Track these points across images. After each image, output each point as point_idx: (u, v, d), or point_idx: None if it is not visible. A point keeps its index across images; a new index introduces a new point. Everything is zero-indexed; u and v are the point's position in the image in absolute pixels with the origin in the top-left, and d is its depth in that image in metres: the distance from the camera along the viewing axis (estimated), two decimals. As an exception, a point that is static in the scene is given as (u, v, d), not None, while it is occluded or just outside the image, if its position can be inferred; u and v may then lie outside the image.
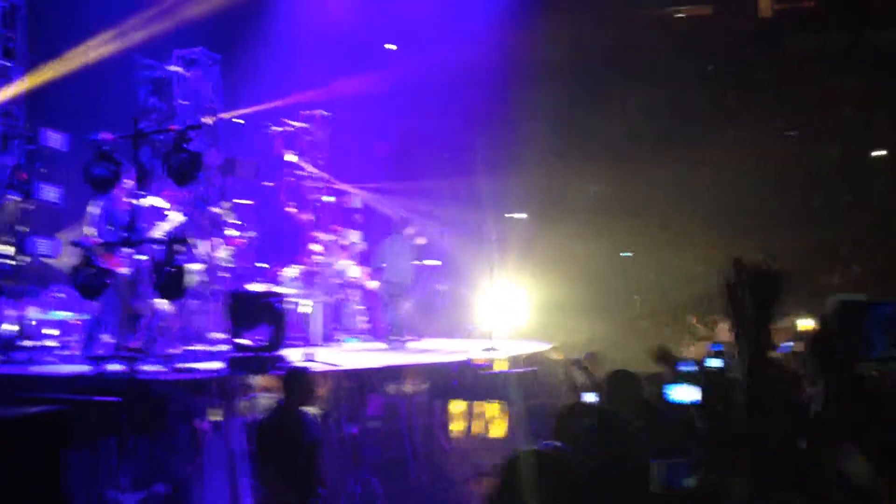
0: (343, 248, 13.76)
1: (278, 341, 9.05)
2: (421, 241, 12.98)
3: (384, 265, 13.01)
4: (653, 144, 16.74)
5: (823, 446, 3.57)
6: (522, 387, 10.58)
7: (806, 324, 9.14)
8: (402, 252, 12.84)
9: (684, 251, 16.22)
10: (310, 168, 13.43)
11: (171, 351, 9.38)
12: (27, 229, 10.02)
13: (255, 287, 9.91)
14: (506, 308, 14.27)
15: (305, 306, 11.05)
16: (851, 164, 17.53)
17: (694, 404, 4.76)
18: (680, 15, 19.93)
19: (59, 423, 5.83)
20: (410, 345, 12.62)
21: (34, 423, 5.48)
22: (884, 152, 18.52)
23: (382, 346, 12.57)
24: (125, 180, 9.09)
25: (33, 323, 11.00)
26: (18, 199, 9.91)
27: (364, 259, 14.15)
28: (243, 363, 8.61)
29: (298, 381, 7.12)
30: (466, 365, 10.85)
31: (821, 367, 3.61)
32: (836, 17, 18.96)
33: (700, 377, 5.22)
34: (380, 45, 17.35)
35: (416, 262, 13.30)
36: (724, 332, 8.65)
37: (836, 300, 2.87)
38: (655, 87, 16.67)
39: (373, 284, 13.49)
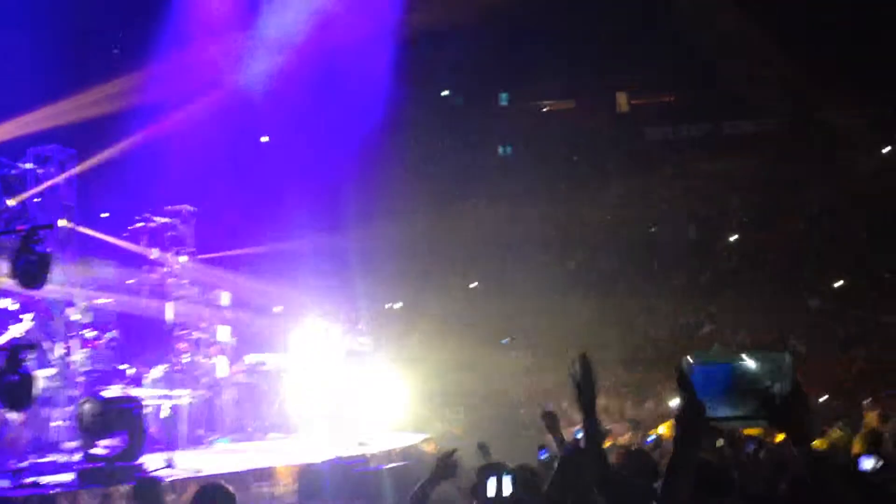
0: (212, 344, 13.41)
1: (135, 449, 8.66)
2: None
3: (257, 361, 12.76)
4: (521, 235, 17.19)
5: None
6: (396, 482, 10.39)
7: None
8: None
9: (560, 339, 16.57)
10: (175, 264, 13.09)
11: (19, 464, 8.81)
12: None
13: (110, 392, 9.47)
14: (381, 398, 14.15)
15: (167, 410, 10.62)
16: (706, 242, 18.43)
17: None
18: (545, 109, 20.83)
19: None
20: (282, 444, 12.28)
21: None
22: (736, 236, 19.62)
23: (256, 445, 12.17)
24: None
25: None
26: None
27: (233, 356, 13.82)
28: (95, 474, 8.17)
29: (150, 493, 6.76)
30: (336, 464, 10.59)
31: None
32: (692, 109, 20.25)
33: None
34: (255, 136, 17.36)
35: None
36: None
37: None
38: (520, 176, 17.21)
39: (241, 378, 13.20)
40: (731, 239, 19.40)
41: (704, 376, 2.92)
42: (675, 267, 18.64)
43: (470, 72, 18.72)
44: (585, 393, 3.89)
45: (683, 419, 2.97)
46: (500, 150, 20.65)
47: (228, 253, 15.31)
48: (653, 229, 19.03)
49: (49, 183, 10.84)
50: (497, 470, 4.82)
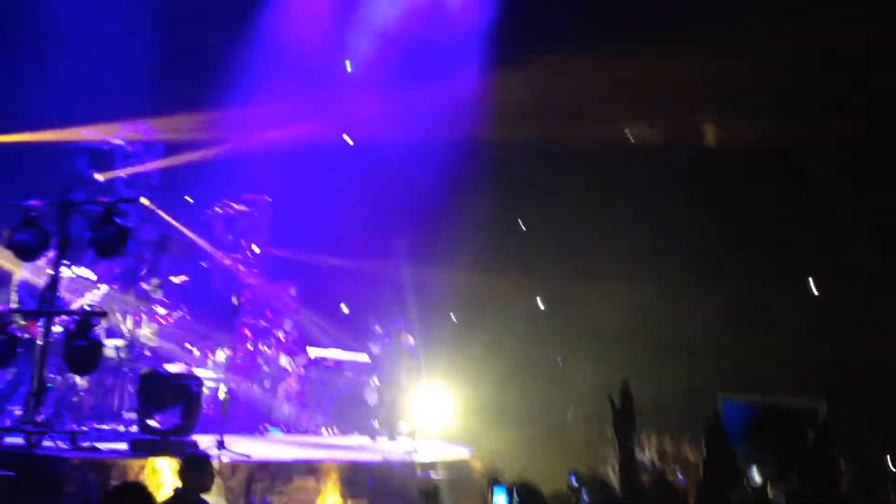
0: (274, 335, 13.62)
1: (189, 425, 8.83)
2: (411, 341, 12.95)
3: (318, 357, 12.91)
4: (589, 258, 16.94)
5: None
6: (440, 492, 10.38)
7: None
8: (400, 357, 12.77)
9: (615, 364, 16.28)
10: (247, 252, 13.36)
11: (78, 428, 9.08)
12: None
13: (171, 368, 9.69)
14: (433, 410, 14.17)
15: (224, 394, 10.81)
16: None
17: None
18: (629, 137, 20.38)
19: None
20: (334, 440, 12.38)
21: None
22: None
23: (308, 438, 12.29)
24: (51, 250, 8.95)
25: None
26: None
27: (295, 348, 14.02)
28: (147, 445, 8.36)
29: (197, 468, 6.88)
30: (383, 465, 10.65)
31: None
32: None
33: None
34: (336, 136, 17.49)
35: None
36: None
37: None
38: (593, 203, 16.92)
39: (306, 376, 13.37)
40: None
41: (735, 412, 2.86)
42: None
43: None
44: (623, 423, 3.80)
45: (711, 467, 2.90)
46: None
47: (296, 248, 15.50)
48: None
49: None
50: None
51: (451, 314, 17.51)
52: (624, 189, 17.12)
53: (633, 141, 17.47)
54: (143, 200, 11.07)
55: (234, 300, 10.82)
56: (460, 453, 12.83)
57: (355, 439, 13.26)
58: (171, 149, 12.21)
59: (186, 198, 13.34)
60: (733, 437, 2.84)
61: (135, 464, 8.01)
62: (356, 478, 10.26)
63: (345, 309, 15.03)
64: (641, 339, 15.99)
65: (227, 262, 13.29)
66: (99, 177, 10.70)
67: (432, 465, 11.11)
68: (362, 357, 14.76)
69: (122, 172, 11.17)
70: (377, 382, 15.65)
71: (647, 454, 12.80)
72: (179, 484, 6.85)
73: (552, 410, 16.31)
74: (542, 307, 17.50)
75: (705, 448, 3.04)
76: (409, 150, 15.68)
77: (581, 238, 16.40)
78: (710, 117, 16.34)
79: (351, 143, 17.79)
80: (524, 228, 17.71)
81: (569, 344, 17.14)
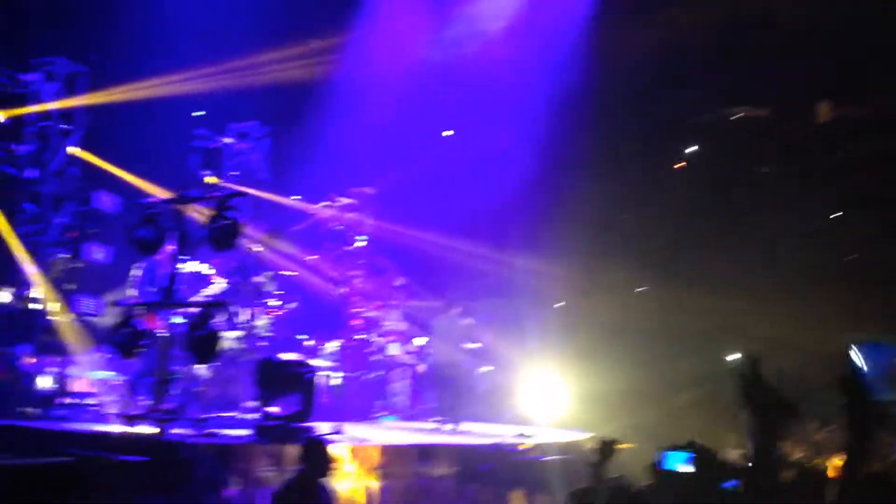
0: (384, 325, 13.77)
1: (307, 412, 9.02)
2: (468, 322, 12.89)
3: (431, 345, 12.98)
4: (699, 241, 16.50)
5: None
6: (557, 474, 10.31)
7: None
8: (450, 333, 12.74)
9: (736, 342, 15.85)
10: (354, 243, 13.56)
11: (203, 415, 9.40)
12: (74, 287, 10.22)
13: (288, 356, 9.91)
14: (545, 395, 14.07)
15: (339, 380, 11.01)
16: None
17: None
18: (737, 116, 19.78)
19: (78, 475, 5.85)
20: (449, 427, 12.42)
21: (50, 471, 5.50)
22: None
23: (422, 425, 12.37)
24: (169, 245, 9.28)
25: (73, 381, 11.19)
26: (67, 257, 10.17)
27: (406, 337, 14.15)
28: (270, 431, 8.58)
29: (317, 453, 6.99)
30: (498, 449, 10.63)
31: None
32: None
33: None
34: (436, 130, 17.55)
35: (463, 344, 13.19)
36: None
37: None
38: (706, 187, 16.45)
39: (419, 366, 13.46)
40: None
41: (868, 356, 2.70)
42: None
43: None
44: (755, 397, 3.63)
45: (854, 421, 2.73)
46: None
47: (402, 238, 15.61)
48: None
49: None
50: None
51: (559, 302, 17.37)
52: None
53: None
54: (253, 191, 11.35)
55: (343, 290, 11.00)
56: (575, 436, 12.70)
57: (466, 426, 13.29)
58: (277, 144, 12.50)
59: (293, 198, 13.57)
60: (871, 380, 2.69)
61: (259, 449, 8.24)
62: (471, 462, 10.28)
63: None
64: (753, 324, 15.55)
65: (335, 253, 13.51)
66: (209, 180, 11.05)
67: (546, 448, 11.04)
68: (473, 345, 14.78)
69: (231, 170, 11.47)
70: (487, 369, 15.68)
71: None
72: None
73: (664, 396, 16.00)
74: (642, 290, 17.15)
75: (846, 397, 2.88)
76: (517, 140, 15.60)
77: (694, 219, 16.03)
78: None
79: (450, 133, 17.83)
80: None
81: (677, 328, 16.79)
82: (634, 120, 17.12)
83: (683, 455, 4.80)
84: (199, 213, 9.88)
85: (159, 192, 9.33)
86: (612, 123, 16.93)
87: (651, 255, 16.58)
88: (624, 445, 10.02)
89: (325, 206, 13.77)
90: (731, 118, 19.55)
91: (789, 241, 15.72)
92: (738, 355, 16.41)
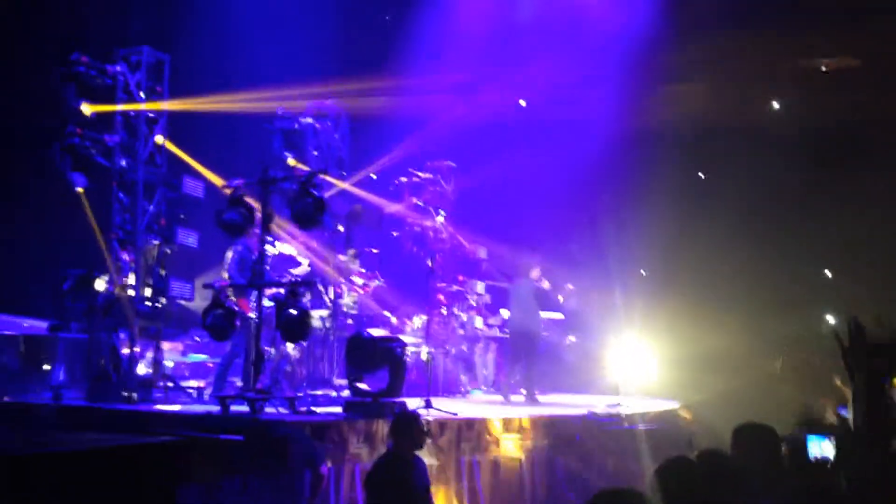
0: (467, 299, 13.76)
1: (397, 387, 9.06)
2: (546, 284, 12.74)
3: (508, 313, 12.92)
4: (786, 205, 16.01)
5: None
6: (649, 443, 10.19)
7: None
8: (528, 298, 12.61)
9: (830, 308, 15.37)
10: (435, 218, 13.55)
11: (295, 394, 9.55)
12: (166, 272, 10.47)
13: (376, 332, 9.98)
14: (634, 364, 13.89)
15: (426, 355, 11.04)
16: None
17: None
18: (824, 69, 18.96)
19: (178, 455, 5.99)
20: (538, 398, 12.35)
21: (152, 452, 5.64)
22: None
23: (512, 398, 12.32)
24: (256, 227, 9.39)
25: (170, 364, 11.52)
26: (158, 243, 10.42)
27: (489, 310, 14.13)
28: (360, 407, 8.66)
29: (408, 427, 7.01)
30: (589, 419, 10.54)
31: None
32: None
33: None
34: (512, 99, 17.39)
35: (543, 312, 13.06)
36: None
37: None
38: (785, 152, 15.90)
39: (495, 333, 13.45)
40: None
41: None
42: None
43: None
44: (857, 357, 3.47)
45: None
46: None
47: (485, 211, 15.54)
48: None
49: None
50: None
51: (646, 270, 17.11)
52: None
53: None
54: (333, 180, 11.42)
55: (429, 263, 11.00)
56: (666, 405, 12.52)
57: (554, 397, 13.22)
58: (356, 123, 12.53)
59: (371, 175, 13.60)
60: None
61: (351, 425, 8.32)
62: (563, 433, 10.22)
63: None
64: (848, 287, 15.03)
65: (417, 228, 13.53)
66: (291, 162, 11.15)
67: (639, 417, 10.90)
68: (557, 315, 14.67)
69: (312, 150, 11.56)
70: (573, 339, 15.55)
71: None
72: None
73: (759, 361, 15.62)
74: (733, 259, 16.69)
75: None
76: (606, 108, 15.35)
77: (785, 182, 15.56)
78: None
79: (524, 104, 17.61)
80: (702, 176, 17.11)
81: (771, 291, 16.34)
82: (723, 75, 16.65)
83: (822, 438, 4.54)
84: (283, 194, 9.98)
85: (242, 176, 9.39)
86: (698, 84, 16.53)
87: (740, 221, 16.16)
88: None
89: (404, 182, 13.79)
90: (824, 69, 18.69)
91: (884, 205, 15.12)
92: (832, 320, 15.93)
